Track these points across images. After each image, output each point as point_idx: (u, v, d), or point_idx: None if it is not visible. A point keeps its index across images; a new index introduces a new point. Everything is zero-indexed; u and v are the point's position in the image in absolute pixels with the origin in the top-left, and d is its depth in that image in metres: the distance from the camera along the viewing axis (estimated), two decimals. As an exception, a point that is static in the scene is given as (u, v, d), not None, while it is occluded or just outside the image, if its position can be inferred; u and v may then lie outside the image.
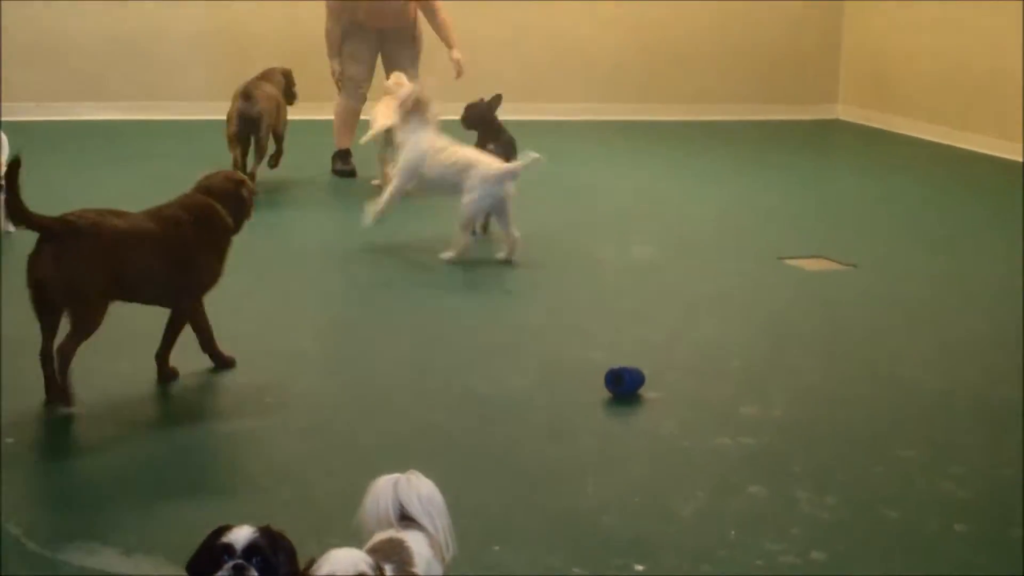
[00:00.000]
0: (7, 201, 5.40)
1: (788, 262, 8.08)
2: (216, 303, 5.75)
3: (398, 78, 9.37)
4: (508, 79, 12.29)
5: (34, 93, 11.92)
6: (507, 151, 8.31)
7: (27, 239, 5.53)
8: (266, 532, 3.23)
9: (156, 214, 5.56)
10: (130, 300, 5.48)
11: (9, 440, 5.00)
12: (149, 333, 5.68)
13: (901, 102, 12.98)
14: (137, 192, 9.14)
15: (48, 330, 5.32)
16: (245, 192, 5.75)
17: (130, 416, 5.39)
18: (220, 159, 10.29)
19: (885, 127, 13.09)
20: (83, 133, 11.48)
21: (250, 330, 6.33)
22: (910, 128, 12.75)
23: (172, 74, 12.38)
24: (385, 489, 3.52)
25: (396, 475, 3.54)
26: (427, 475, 3.56)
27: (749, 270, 8.06)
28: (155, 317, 5.65)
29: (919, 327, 6.96)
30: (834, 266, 8.06)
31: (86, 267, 5.24)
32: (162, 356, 5.64)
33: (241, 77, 9.78)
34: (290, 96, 9.83)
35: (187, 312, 5.61)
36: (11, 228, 7.75)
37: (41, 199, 8.39)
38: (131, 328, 5.76)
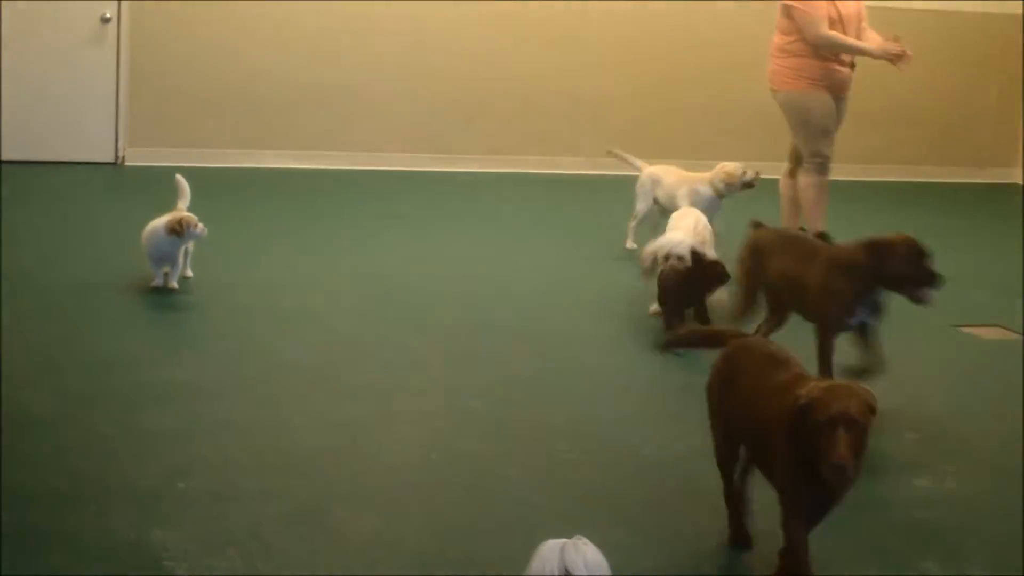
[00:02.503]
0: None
1: (963, 330, 7.92)
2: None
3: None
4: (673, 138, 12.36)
5: (213, 140, 12.21)
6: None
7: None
8: None
9: None
10: None
11: (181, 484, 5.08)
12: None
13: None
14: (319, 240, 9.36)
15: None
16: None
17: (298, 463, 5.44)
18: (389, 208, 10.45)
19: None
20: (262, 181, 11.71)
21: (418, 387, 6.38)
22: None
23: (347, 124, 12.58)
24: (551, 553, 3.51)
25: (563, 540, 3.53)
26: (594, 541, 3.54)
27: (922, 337, 7.91)
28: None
29: (1100, 402, 6.76)
30: (1010, 335, 7.88)
31: None
32: None
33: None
34: None
35: None
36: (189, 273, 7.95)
37: (226, 248, 8.67)
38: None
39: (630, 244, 9.55)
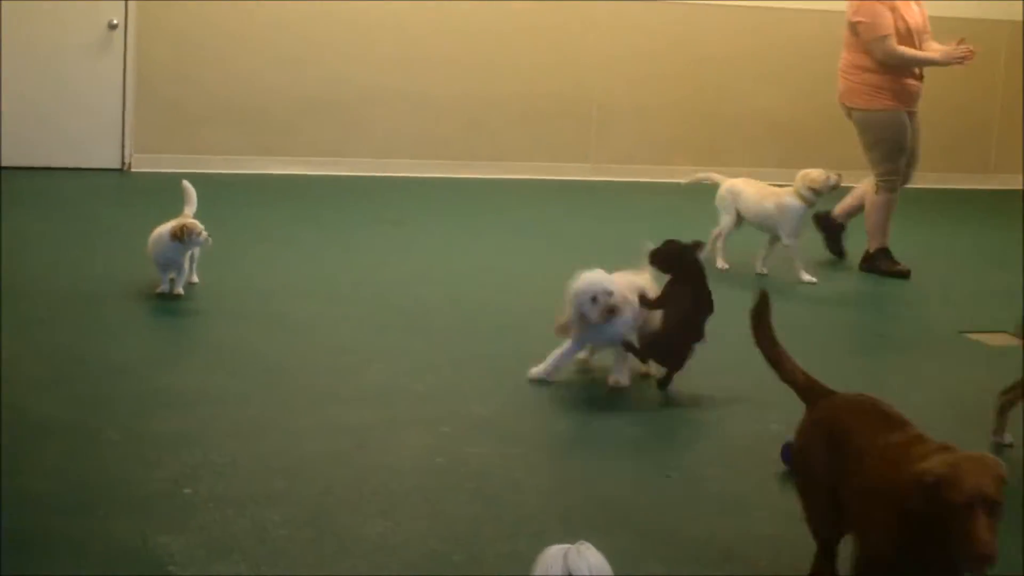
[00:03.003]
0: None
1: (969, 336, 7.91)
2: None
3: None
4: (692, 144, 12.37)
5: (219, 147, 12.23)
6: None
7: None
8: None
9: None
10: None
11: (187, 490, 5.09)
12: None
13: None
14: (323, 247, 9.38)
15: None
16: None
17: (304, 469, 5.44)
18: (394, 215, 10.48)
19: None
20: (267, 187, 11.73)
21: (431, 391, 6.39)
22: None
23: (353, 131, 12.60)
24: (555, 559, 3.52)
25: (566, 545, 3.54)
26: (597, 546, 3.54)
27: (928, 343, 7.92)
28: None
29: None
30: (1017, 342, 7.85)
31: None
32: None
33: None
34: None
35: None
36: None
37: (232, 254, 8.68)
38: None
39: (721, 264, 9.27)
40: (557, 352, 6.57)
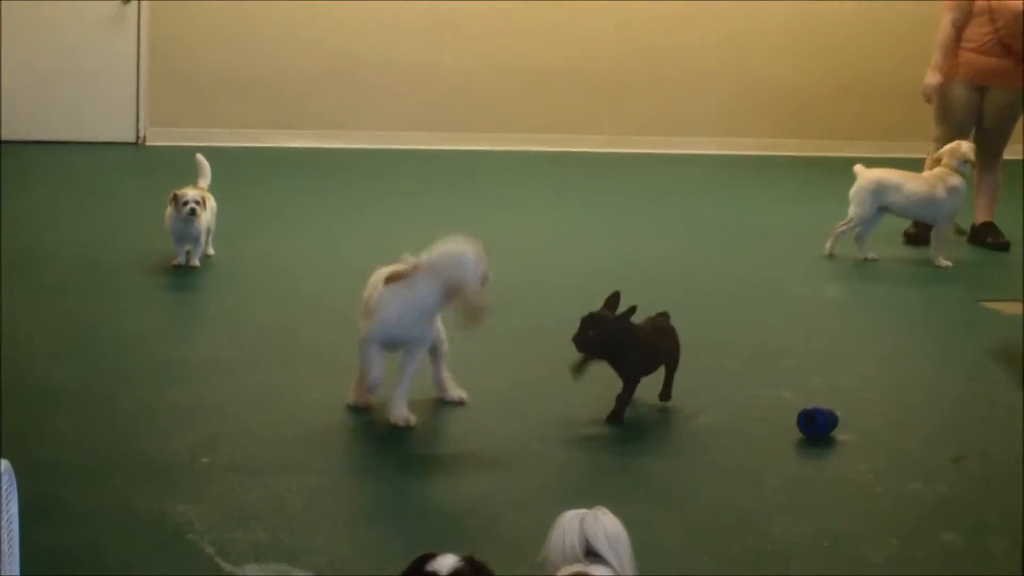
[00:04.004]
0: None
1: (986, 305, 7.91)
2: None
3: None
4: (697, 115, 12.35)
5: (232, 120, 12.23)
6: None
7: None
8: (470, 562, 3.25)
9: None
10: None
11: (204, 460, 5.10)
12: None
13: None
14: (339, 219, 9.38)
15: None
16: None
17: (321, 438, 5.46)
18: (407, 187, 10.49)
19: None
20: (283, 160, 11.74)
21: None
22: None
23: (366, 104, 12.59)
24: (572, 524, 3.51)
25: (583, 511, 3.53)
26: (615, 512, 3.54)
27: (946, 312, 7.91)
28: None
29: (1123, 376, 6.74)
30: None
31: None
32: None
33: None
34: None
35: None
36: None
37: (248, 227, 8.70)
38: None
39: (829, 248, 8.99)
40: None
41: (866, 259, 8.87)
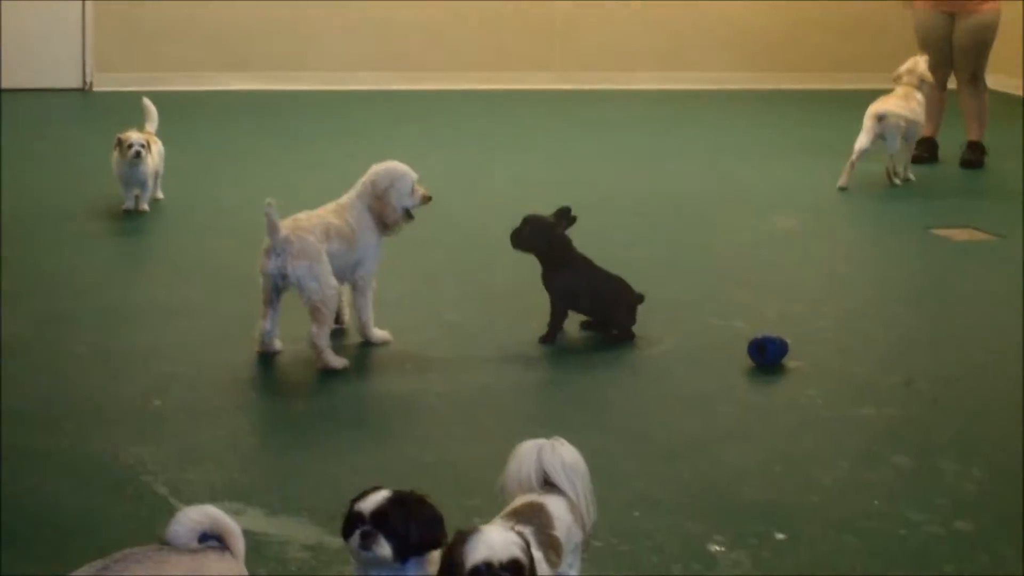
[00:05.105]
0: None
1: (936, 231, 7.96)
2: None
3: None
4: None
5: (179, 64, 12.14)
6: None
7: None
8: (400, 498, 3.24)
9: None
10: None
11: (157, 402, 5.10)
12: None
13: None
14: (288, 160, 9.34)
15: None
16: None
17: (274, 379, 5.47)
18: (358, 127, 10.45)
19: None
20: (230, 103, 11.66)
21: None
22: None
23: (315, 45, 12.51)
24: (529, 454, 3.52)
25: (540, 440, 3.55)
26: (571, 442, 3.56)
27: (895, 239, 7.96)
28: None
29: (1070, 298, 6.81)
30: (982, 236, 7.91)
31: None
32: None
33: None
34: None
35: None
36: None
37: (196, 170, 8.65)
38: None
39: (902, 175, 9.20)
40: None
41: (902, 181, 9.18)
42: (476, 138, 10.60)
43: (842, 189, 8.92)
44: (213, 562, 2.93)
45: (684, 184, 9.05)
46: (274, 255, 5.54)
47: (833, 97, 12.34)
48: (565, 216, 5.93)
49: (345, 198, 5.84)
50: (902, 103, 9.16)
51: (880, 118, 9.01)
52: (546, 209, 6.00)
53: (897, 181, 9.17)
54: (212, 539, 2.97)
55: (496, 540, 3.11)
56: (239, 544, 3.01)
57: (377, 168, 5.86)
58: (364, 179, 5.85)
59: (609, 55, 13.10)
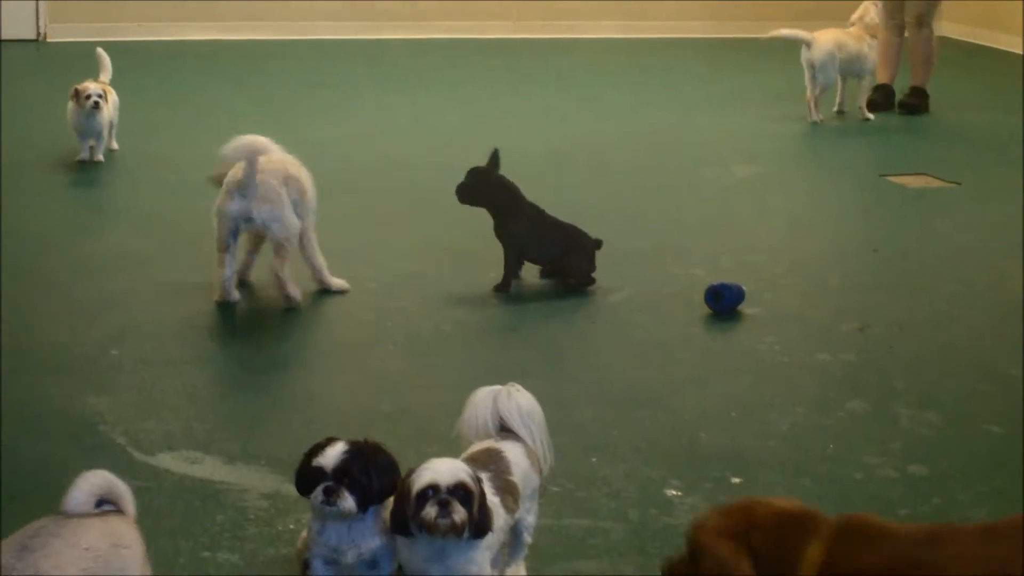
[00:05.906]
0: None
1: (891, 179, 7.99)
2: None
3: None
4: None
5: (135, 14, 12.04)
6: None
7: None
8: (358, 450, 3.26)
9: None
10: None
11: (114, 352, 5.08)
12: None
13: (1004, 17, 12.71)
14: (246, 111, 9.29)
15: None
16: None
17: (232, 329, 5.46)
18: (315, 75, 10.39)
19: (990, 43, 12.87)
20: (186, 53, 11.57)
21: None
22: (1015, 44, 12.51)
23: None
24: (485, 401, 3.54)
25: (497, 387, 3.56)
26: (528, 388, 3.58)
27: (851, 186, 8.00)
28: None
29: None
30: (937, 183, 7.95)
31: None
32: None
33: None
34: None
35: None
36: None
37: (152, 121, 8.59)
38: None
39: (816, 116, 9.35)
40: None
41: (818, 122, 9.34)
42: (434, 88, 10.56)
43: (816, 123, 9.29)
44: (118, 525, 2.92)
45: (644, 133, 9.05)
46: (238, 196, 5.52)
47: (794, 46, 12.32)
48: (494, 160, 5.95)
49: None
50: (842, 37, 9.43)
51: (808, 45, 9.28)
52: (506, 160, 5.99)
53: (869, 116, 9.51)
54: (106, 503, 2.95)
55: (442, 466, 3.19)
56: (132, 507, 3.00)
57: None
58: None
59: (568, 4, 13.06)
